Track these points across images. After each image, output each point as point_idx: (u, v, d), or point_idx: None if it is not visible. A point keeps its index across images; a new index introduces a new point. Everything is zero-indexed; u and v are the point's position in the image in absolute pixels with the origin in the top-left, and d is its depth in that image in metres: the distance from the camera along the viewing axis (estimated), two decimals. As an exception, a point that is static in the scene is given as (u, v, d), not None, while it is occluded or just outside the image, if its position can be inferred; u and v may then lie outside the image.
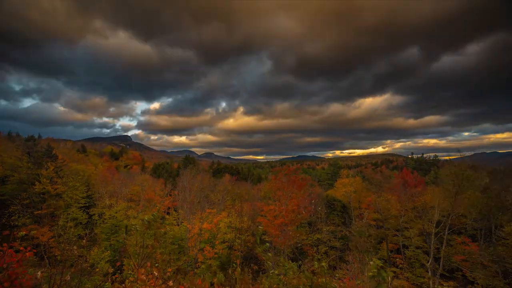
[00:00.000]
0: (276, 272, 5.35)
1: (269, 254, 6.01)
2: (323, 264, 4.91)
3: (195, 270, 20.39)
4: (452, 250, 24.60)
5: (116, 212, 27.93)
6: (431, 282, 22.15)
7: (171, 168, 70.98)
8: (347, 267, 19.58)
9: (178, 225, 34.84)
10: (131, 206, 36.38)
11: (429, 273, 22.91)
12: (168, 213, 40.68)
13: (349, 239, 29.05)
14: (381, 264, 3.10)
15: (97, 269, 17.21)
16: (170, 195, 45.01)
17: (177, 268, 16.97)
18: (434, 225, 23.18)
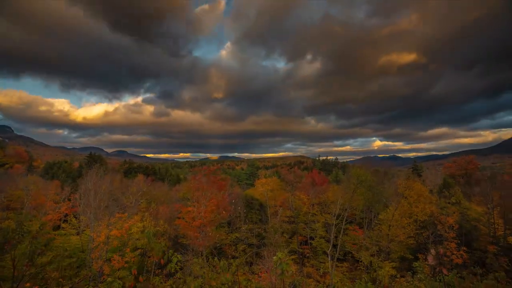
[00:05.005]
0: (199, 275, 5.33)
1: (178, 256, 5.90)
2: (240, 261, 5.20)
3: (99, 285, 17.90)
4: (346, 237, 29.57)
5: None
6: (329, 266, 25.99)
7: (71, 167, 60.17)
8: (262, 262, 20.92)
9: (78, 234, 29.93)
10: (8, 216, 29.01)
11: (329, 258, 26.84)
12: (65, 221, 34.36)
13: (266, 235, 31.13)
14: (281, 257, 3.60)
15: None
16: (69, 199, 38.15)
17: (72, 287, 14.50)
18: (335, 218, 27.32)
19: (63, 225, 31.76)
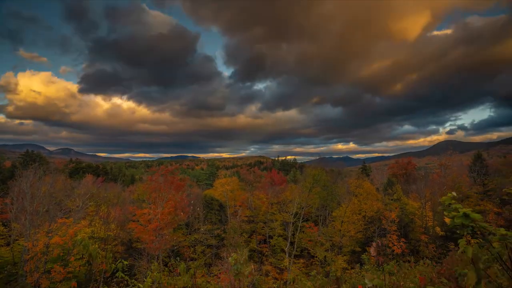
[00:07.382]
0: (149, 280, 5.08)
1: (124, 261, 5.57)
2: (198, 263, 5.14)
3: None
4: (302, 235, 30.92)
5: None
6: (287, 263, 26.93)
7: (0, 167, 52.24)
8: (222, 263, 20.79)
9: (8, 244, 26.15)
10: None
11: (287, 256, 27.79)
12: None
13: (225, 236, 30.96)
14: (236, 258, 3.70)
15: None
16: (-4, 204, 33.08)
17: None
18: (292, 216, 28.37)
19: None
